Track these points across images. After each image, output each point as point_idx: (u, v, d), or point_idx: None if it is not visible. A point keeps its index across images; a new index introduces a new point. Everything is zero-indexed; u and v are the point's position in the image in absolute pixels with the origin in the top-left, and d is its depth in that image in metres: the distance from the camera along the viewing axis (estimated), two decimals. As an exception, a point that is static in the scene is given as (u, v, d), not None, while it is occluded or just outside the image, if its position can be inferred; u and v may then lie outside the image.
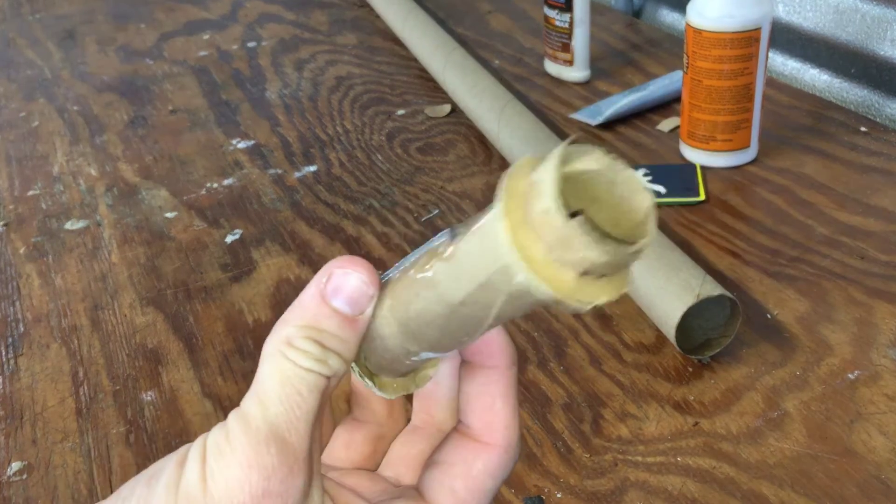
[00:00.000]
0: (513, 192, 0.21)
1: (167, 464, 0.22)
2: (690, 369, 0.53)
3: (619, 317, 0.58)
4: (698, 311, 0.52)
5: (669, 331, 0.51)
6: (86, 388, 0.56)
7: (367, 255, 0.66)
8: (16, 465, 0.50)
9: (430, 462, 0.25)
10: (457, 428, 0.25)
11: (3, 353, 0.60)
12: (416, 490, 0.26)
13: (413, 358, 0.25)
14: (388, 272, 0.25)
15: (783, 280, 0.59)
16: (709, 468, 0.46)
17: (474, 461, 0.24)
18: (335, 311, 0.23)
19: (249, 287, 0.64)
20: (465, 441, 0.25)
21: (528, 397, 0.52)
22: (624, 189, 0.21)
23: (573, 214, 0.20)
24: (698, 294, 0.50)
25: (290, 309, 0.24)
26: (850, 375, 0.51)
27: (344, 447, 0.28)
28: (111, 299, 0.64)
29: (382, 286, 0.24)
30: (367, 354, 0.26)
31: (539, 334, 0.57)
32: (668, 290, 0.52)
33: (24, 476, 0.50)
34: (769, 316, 0.56)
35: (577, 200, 0.21)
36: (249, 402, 0.22)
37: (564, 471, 0.47)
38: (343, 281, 0.23)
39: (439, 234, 0.23)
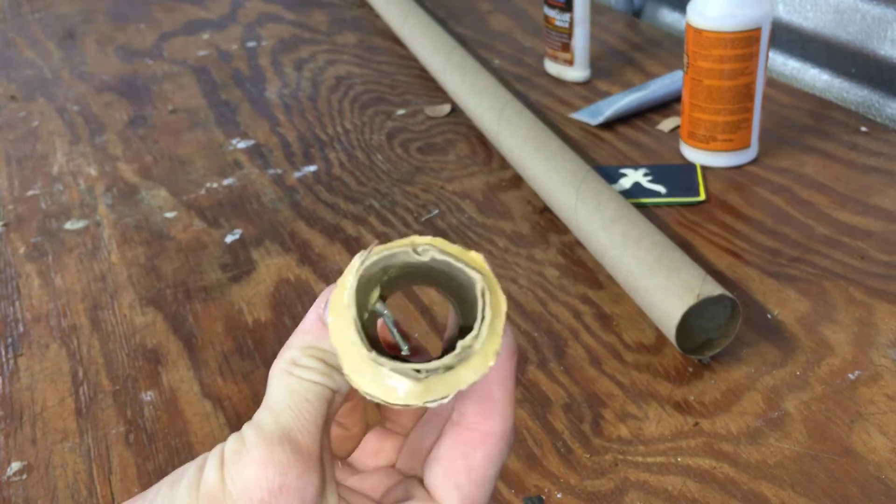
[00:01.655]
0: (339, 311, 0.22)
1: (188, 468, 0.24)
2: (691, 369, 0.53)
3: (619, 317, 0.58)
4: (699, 311, 0.52)
5: (670, 331, 0.51)
6: (85, 388, 0.56)
7: (367, 255, 0.66)
8: (15, 465, 0.50)
9: (431, 459, 0.26)
10: (452, 418, 0.26)
11: (3, 354, 0.60)
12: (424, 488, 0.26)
13: None
14: None
15: (783, 280, 0.59)
16: (709, 468, 0.46)
17: (474, 453, 0.25)
18: None
19: (249, 287, 0.64)
20: (462, 432, 0.25)
21: (529, 397, 0.52)
22: (463, 270, 0.22)
23: (374, 343, 0.21)
24: (699, 294, 0.50)
25: (292, 335, 0.25)
26: (850, 375, 0.51)
27: (372, 455, 0.30)
28: (111, 299, 0.64)
29: None
30: None
31: (539, 334, 0.57)
32: (668, 291, 0.52)
33: (24, 476, 0.50)
34: (769, 316, 0.56)
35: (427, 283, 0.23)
36: (261, 413, 0.24)
37: (564, 471, 0.47)
38: None
39: None
